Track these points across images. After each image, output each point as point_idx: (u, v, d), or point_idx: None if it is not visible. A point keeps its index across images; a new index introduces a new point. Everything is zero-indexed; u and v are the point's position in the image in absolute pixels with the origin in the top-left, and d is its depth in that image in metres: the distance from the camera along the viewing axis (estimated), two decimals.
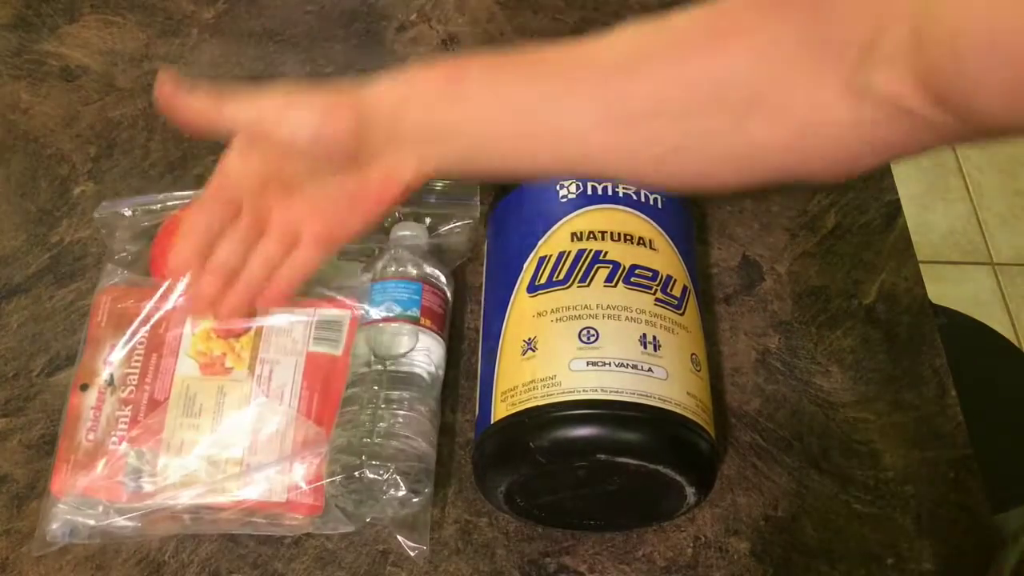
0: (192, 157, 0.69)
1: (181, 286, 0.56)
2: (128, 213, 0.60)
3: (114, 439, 0.52)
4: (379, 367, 0.53)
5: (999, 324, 1.52)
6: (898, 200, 0.68)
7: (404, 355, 0.53)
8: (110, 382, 0.54)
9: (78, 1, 0.78)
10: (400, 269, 0.56)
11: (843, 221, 0.67)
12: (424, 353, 0.54)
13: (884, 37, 0.31)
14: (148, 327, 0.56)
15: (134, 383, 0.54)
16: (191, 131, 0.42)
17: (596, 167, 0.42)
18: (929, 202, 1.67)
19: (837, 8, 0.33)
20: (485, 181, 0.60)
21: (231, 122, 0.41)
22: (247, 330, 0.56)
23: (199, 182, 0.67)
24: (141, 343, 0.55)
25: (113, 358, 0.55)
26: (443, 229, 0.61)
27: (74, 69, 0.74)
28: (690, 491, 0.48)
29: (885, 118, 0.32)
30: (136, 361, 0.55)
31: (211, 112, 0.41)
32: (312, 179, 0.43)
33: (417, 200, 0.61)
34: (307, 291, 0.56)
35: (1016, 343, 1.51)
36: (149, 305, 0.56)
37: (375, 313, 0.55)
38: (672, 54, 0.37)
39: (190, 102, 0.42)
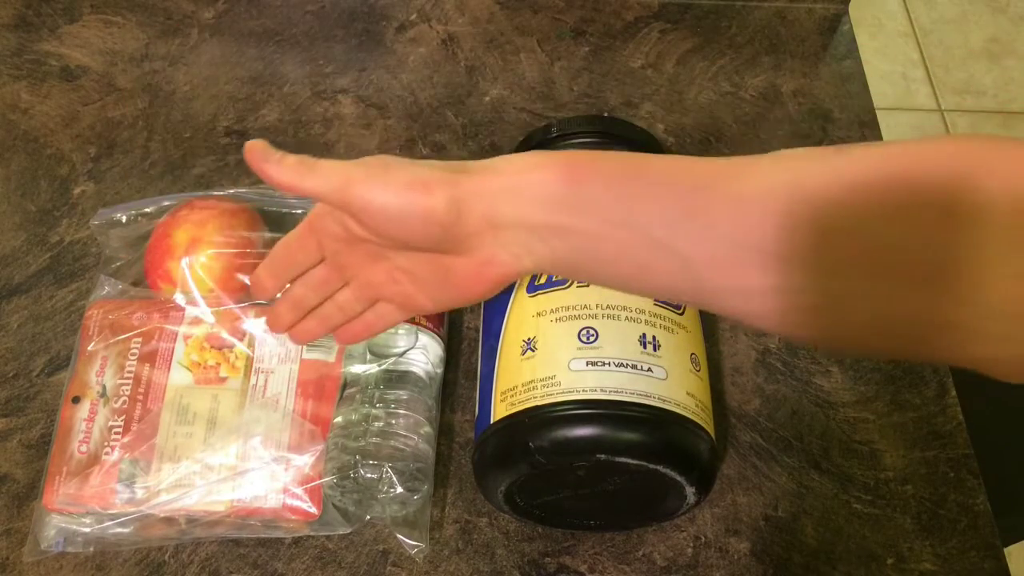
0: (192, 157, 0.69)
1: (175, 297, 0.56)
2: (124, 219, 0.60)
3: (107, 449, 0.52)
4: (375, 366, 0.53)
5: None
6: None
7: (401, 354, 0.53)
8: (102, 393, 0.54)
9: (78, 1, 0.78)
10: None
11: None
12: (421, 352, 0.54)
13: None
14: (140, 338, 0.55)
15: (127, 394, 0.54)
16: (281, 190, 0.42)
17: (705, 306, 0.38)
18: None
19: None
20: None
21: (318, 190, 0.40)
22: (242, 337, 0.56)
23: (199, 182, 0.67)
24: (133, 354, 0.55)
25: (105, 370, 0.55)
26: None
27: (74, 69, 0.74)
28: (690, 491, 0.48)
29: None
30: (129, 372, 0.54)
31: (298, 179, 0.40)
32: (400, 252, 0.42)
33: None
34: None
35: None
36: (142, 316, 0.56)
37: None
38: (842, 199, 0.31)
39: (278, 169, 0.40)
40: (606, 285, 0.44)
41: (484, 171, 0.39)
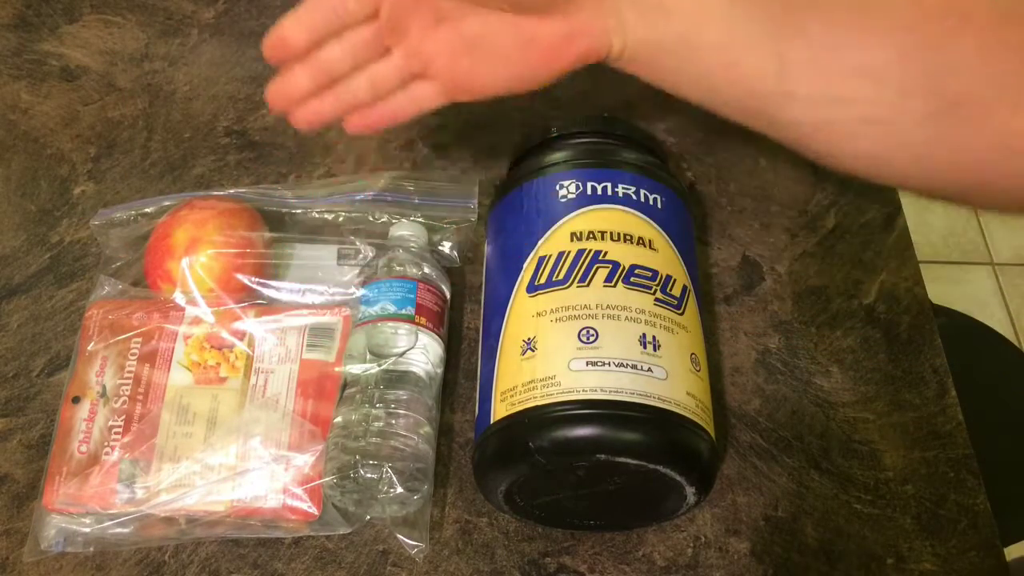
0: (192, 157, 0.69)
1: (175, 296, 0.56)
2: (124, 219, 0.60)
3: (107, 449, 0.52)
4: (375, 366, 0.53)
5: (999, 324, 1.52)
6: (898, 200, 0.68)
7: (401, 354, 0.53)
8: (102, 393, 0.54)
9: (78, 1, 0.78)
10: (399, 269, 0.56)
11: (843, 221, 0.67)
12: (421, 352, 0.54)
13: None
14: (140, 338, 0.55)
15: (127, 394, 0.54)
16: None
17: (779, 115, 0.39)
18: (929, 202, 1.67)
19: None
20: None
21: None
22: (242, 337, 0.56)
23: (199, 182, 0.67)
24: (133, 354, 0.55)
25: (105, 370, 0.55)
26: (441, 230, 0.61)
27: (74, 69, 0.74)
28: (690, 491, 0.48)
29: None
30: (129, 372, 0.54)
31: None
32: (479, 12, 0.37)
33: (416, 201, 0.61)
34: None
35: (1016, 343, 1.51)
36: (142, 316, 0.56)
37: (370, 312, 0.54)
38: (901, 22, 0.35)
39: None
40: (682, 86, 0.43)
41: None
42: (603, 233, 0.51)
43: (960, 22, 0.34)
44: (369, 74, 0.40)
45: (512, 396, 0.48)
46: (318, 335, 0.56)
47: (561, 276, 0.50)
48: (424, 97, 0.41)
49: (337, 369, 0.55)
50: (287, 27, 0.39)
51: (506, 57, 0.39)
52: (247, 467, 0.52)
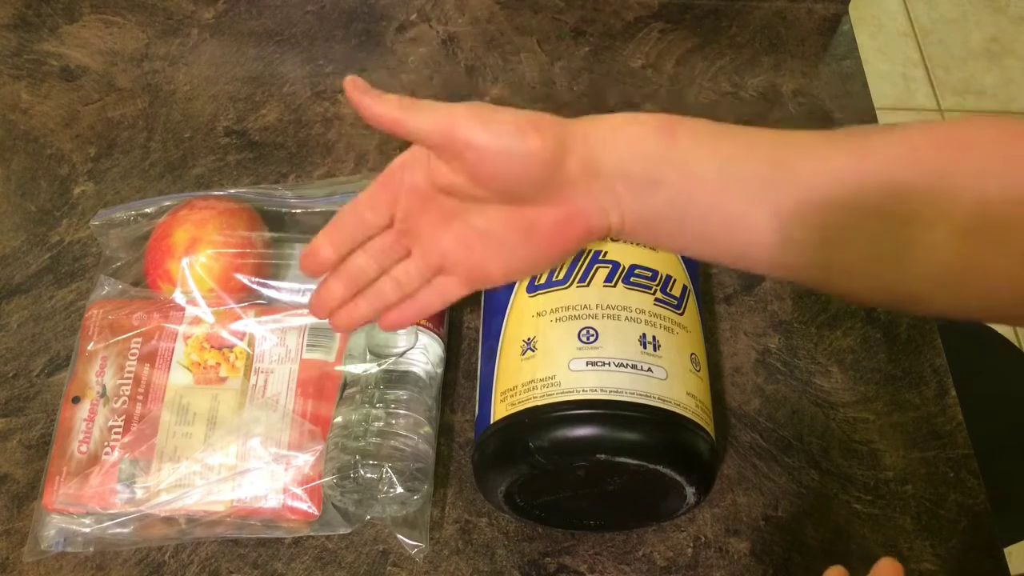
0: (192, 157, 0.69)
1: (175, 296, 0.56)
2: (124, 219, 0.60)
3: (107, 449, 0.52)
4: (375, 366, 0.53)
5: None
6: None
7: (401, 354, 0.53)
8: (102, 393, 0.54)
9: (78, 1, 0.78)
10: None
11: None
12: (421, 351, 0.54)
13: None
14: (140, 338, 0.55)
15: (127, 394, 0.54)
16: (378, 128, 0.40)
17: (782, 260, 0.39)
18: None
19: None
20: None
21: (420, 128, 0.38)
22: (242, 337, 0.56)
23: (199, 182, 0.67)
24: (133, 354, 0.55)
25: (105, 370, 0.55)
26: None
27: (74, 69, 0.74)
28: (690, 491, 0.48)
29: None
30: (129, 372, 0.54)
31: (402, 114, 0.38)
32: (481, 207, 0.41)
33: None
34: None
35: (1016, 343, 1.51)
36: (142, 316, 0.56)
37: None
38: (893, 155, 0.36)
39: (380, 105, 0.39)
40: (684, 247, 0.44)
41: (585, 121, 0.39)
42: None
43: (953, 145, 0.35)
44: (394, 276, 0.44)
45: (512, 396, 0.48)
46: (318, 335, 0.56)
47: (561, 276, 0.50)
48: (448, 289, 0.45)
49: (337, 369, 0.55)
50: (317, 244, 0.44)
51: (512, 246, 0.42)
52: (247, 467, 0.52)
